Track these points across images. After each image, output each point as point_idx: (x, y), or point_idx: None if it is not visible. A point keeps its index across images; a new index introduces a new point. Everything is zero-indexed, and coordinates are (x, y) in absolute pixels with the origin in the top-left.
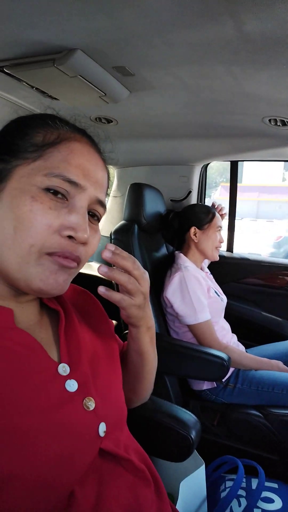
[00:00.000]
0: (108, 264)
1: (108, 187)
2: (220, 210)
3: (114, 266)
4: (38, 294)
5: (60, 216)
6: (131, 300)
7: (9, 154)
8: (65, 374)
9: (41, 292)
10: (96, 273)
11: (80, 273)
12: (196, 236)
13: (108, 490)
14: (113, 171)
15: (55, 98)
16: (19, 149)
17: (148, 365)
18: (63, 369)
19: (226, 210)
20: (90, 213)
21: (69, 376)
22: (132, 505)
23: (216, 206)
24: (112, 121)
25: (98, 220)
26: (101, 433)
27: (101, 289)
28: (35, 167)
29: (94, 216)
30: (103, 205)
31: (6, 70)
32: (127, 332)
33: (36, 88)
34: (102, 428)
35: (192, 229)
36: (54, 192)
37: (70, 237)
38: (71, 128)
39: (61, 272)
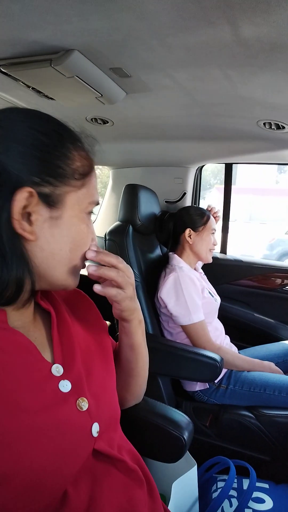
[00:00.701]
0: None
1: None
2: (215, 213)
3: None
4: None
5: None
6: (124, 293)
7: (55, 177)
8: (58, 375)
9: (68, 289)
10: None
11: None
12: (190, 238)
13: (101, 490)
14: (108, 171)
15: (51, 98)
16: (65, 174)
17: (142, 359)
18: (57, 369)
19: (220, 213)
20: None
21: (62, 377)
22: (125, 506)
23: (210, 209)
24: (108, 122)
25: None
26: (94, 434)
27: (97, 287)
28: (81, 196)
29: None
30: None
31: (2, 70)
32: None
33: (33, 88)
34: (95, 428)
35: (187, 231)
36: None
37: None
38: (87, 148)
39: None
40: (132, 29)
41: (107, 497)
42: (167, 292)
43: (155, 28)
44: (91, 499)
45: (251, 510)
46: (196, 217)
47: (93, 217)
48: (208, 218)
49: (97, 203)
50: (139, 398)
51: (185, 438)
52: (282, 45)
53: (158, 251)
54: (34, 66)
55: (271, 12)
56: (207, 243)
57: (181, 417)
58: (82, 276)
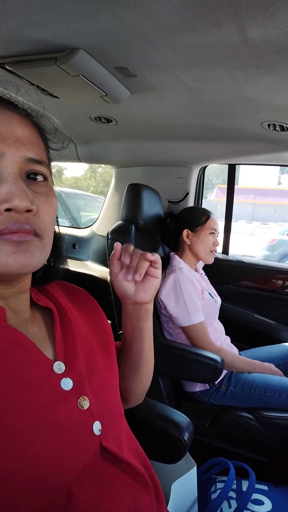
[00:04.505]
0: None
1: (47, 140)
2: None
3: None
4: (7, 277)
5: None
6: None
7: None
8: (60, 372)
9: (7, 274)
10: (92, 272)
11: (76, 272)
12: (189, 238)
13: (108, 492)
14: (111, 170)
15: (56, 97)
16: None
17: (152, 344)
18: (59, 367)
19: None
20: (31, 177)
21: (64, 374)
22: (132, 510)
23: None
24: (112, 121)
25: (46, 180)
26: (96, 432)
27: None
28: None
29: (36, 178)
30: (40, 162)
31: (7, 67)
32: (121, 333)
33: (37, 86)
34: (97, 426)
35: (185, 232)
36: None
37: (9, 210)
38: None
39: (20, 250)
40: (139, 28)
41: (114, 500)
42: (166, 294)
43: (161, 28)
44: (98, 501)
45: None
46: (194, 217)
47: (95, 216)
48: (207, 218)
49: None
50: (141, 397)
51: (186, 439)
52: None
53: (160, 251)
54: (39, 64)
55: (278, 14)
56: (205, 243)
57: (181, 418)
58: (86, 277)
